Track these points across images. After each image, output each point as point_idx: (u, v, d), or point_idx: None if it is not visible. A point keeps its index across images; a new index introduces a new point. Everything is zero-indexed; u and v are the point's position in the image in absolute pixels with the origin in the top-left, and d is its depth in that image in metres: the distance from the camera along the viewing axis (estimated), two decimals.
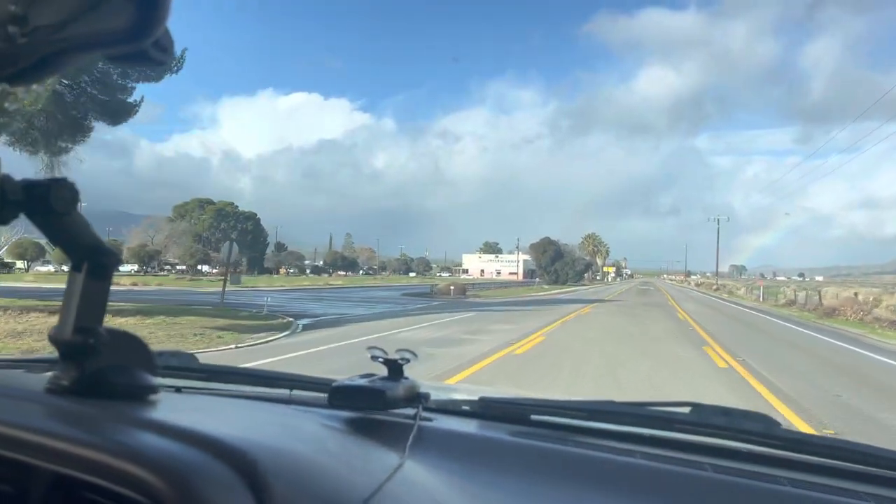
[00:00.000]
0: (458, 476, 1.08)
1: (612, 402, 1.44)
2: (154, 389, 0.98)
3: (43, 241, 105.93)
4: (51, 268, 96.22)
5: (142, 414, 0.88)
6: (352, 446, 1.06)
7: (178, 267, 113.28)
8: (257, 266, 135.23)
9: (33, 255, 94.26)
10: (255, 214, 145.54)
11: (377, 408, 1.23)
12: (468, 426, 1.36)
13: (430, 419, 1.32)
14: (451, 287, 51.87)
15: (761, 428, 1.25)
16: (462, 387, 2.25)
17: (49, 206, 0.81)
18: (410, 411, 1.30)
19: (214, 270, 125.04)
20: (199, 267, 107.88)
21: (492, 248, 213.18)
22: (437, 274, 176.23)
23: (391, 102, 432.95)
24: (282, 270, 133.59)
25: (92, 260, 0.89)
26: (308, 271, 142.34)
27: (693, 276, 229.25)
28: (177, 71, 11.14)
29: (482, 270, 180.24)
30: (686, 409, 1.35)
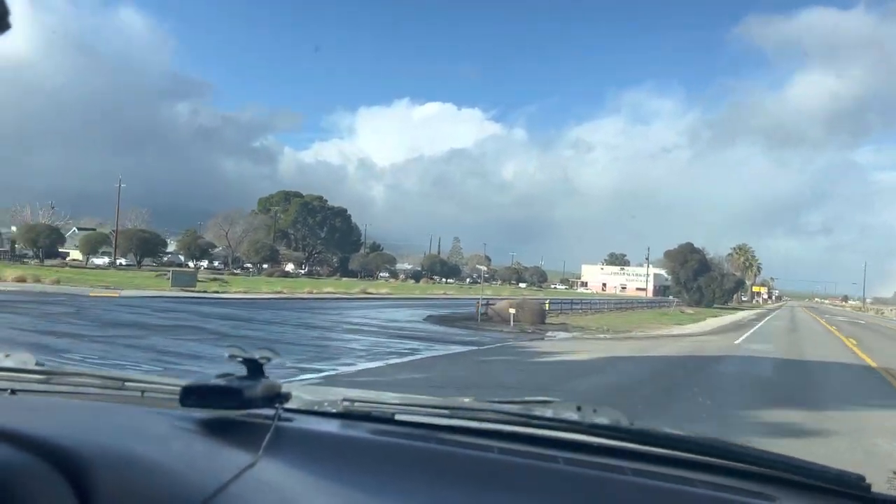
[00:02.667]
0: (315, 475, 1.06)
1: (475, 401, 1.44)
2: None
3: (107, 228, 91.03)
4: (106, 260, 79.91)
5: None
6: (199, 446, 1.03)
7: (245, 265, 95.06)
8: (343, 268, 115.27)
9: (94, 244, 77.87)
10: (346, 210, 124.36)
11: (231, 407, 1.15)
12: (330, 426, 1.31)
13: (290, 419, 1.27)
14: (513, 309, 26.02)
15: (609, 421, 1.26)
16: (327, 388, 2.03)
17: None
18: (269, 412, 1.23)
19: (303, 270, 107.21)
20: (264, 265, 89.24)
21: (618, 260, 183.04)
22: (553, 286, 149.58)
23: (523, 112, 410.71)
24: (377, 274, 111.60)
25: None
26: (403, 276, 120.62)
27: (851, 302, 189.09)
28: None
29: (604, 284, 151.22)
30: (544, 406, 1.35)
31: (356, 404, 1.40)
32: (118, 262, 76.16)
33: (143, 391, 1.44)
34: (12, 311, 20.67)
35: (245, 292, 38.99)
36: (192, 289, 36.12)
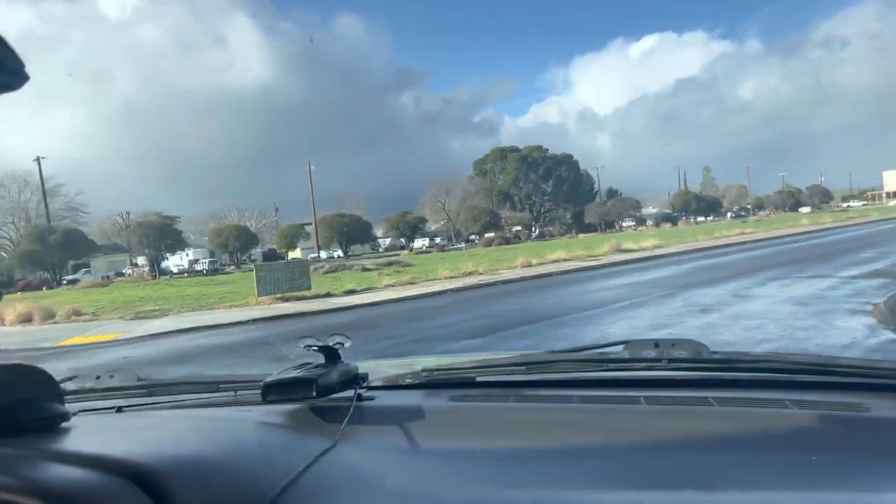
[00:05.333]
0: (395, 450, 1.04)
1: (550, 353, 1.41)
2: (64, 417, 0.95)
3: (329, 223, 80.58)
4: (311, 254, 69.59)
5: (48, 445, 0.86)
6: (278, 440, 1.01)
7: (469, 237, 79.21)
8: (578, 223, 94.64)
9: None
10: (571, 157, 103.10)
11: (311, 396, 1.13)
12: (410, 398, 1.29)
13: (371, 398, 1.26)
14: None
15: (689, 354, 1.21)
16: (410, 360, 1.87)
17: None
18: (349, 394, 1.21)
19: (534, 233, 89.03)
20: (487, 234, 72.40)
21: None
22: (841, 205, 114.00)
23: (754, 21, 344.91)
24: (620, 224, 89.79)
25: None
26: (651, 222, 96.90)
27: None
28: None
29: None
30: (619, 348, 1.30)
31: (435, 373, 1.37)
32: (319, 255, 64.14)
33: (235, 391, 1.44)
34: None
35: (409, 283, 20.82)
36: (300, 293, 18.61)
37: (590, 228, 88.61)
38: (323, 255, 68.14)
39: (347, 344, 1.25)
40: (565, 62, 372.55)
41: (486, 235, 69.38)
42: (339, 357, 1.23)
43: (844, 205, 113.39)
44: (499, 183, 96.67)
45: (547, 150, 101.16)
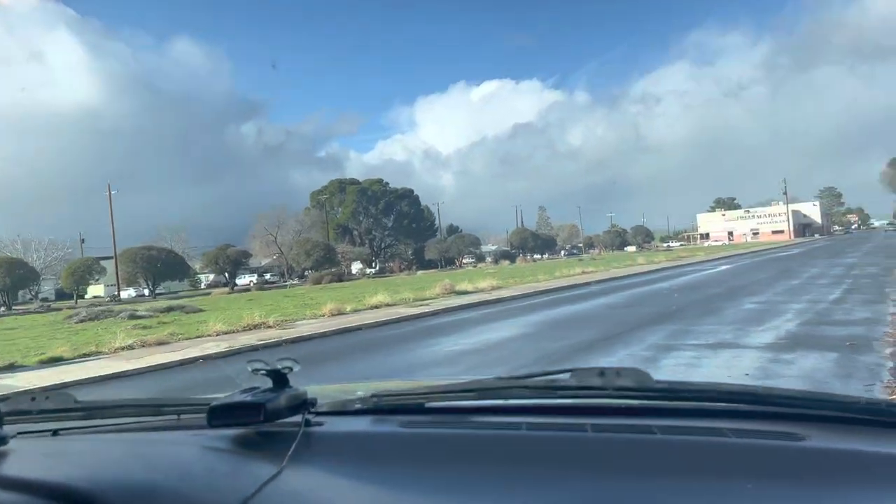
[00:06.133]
0: (344, 476, 1.02)
1: (499, 379, 1.39)
2: (2, 441, 0.93)
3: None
4: (113, 292, 59.14)
5: None
6: (224, 466, 1.00)
7: (305, 273, 72.23)
8: (419, 259, 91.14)
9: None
10: (412, 191, 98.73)
11: (257, 421, 1.11)
12: (359, 425, 1.28)
13: (319, 424, 1.23)
14: None
15: (633, 383, 1.21)
16: (358, 385, 1.86)
17: None
18: (298, 419, 1.19)
19: (373, 269, 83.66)
20: (318, 270, 65.84)
21: (725, 204, 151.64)
22: (661, 245, 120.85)
23: (582, 74, 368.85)
24: (460, 261, 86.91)
25: None
26: (490, 259, 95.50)
27: None
28: None
29: (730, 233, 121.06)
30: (566, 376, 1.28)
31: (385, 398, 1.35)
32: (119, 294, 54.34)
33: (178, 414, 1.38)
34: None
35: (160, 343, 14.58)
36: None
37: (431, 264, 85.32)
38: (132, 292, 58.57)
39: (296, 368, 1.22)
40: (410, 101, 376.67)
41: (317, 272, 63.11)
42: (287, 381, 1.21)
43: (664, 245, 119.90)
44: (338, 216, 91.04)
45: (388, 183, 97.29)
